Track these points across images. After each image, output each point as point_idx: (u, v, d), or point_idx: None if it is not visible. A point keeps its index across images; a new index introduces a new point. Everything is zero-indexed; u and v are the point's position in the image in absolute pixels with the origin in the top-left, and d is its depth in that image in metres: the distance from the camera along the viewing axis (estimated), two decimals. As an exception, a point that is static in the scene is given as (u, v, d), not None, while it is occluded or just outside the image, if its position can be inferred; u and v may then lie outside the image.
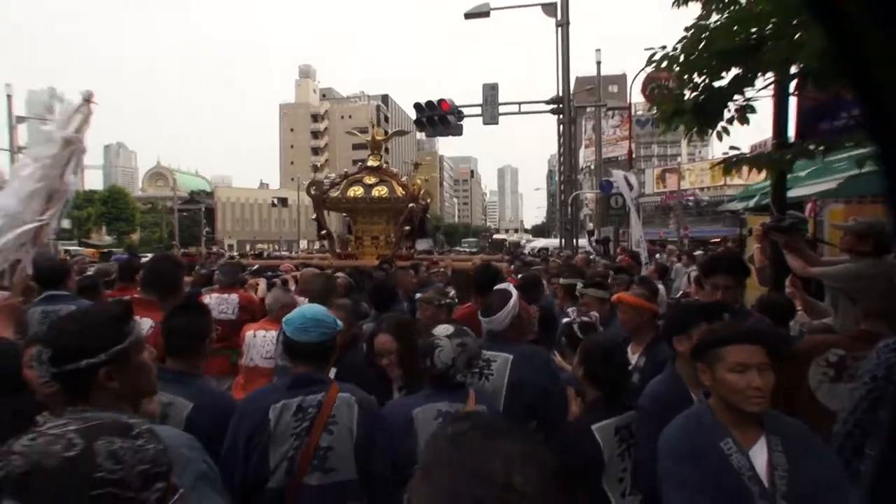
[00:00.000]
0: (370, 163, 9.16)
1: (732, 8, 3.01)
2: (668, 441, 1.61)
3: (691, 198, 36.20)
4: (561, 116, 15.16)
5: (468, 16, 14.07)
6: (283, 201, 43.06)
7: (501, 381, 2.35)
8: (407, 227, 8.46)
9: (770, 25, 2.80)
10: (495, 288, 2.79)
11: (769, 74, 3.21)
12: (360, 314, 3.27)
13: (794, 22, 2.51)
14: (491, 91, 14.34)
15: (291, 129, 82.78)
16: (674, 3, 2.91)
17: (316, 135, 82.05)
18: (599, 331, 2.96)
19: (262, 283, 4.68)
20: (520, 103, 15.04)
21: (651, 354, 2.67)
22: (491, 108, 14.28)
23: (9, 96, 22.66)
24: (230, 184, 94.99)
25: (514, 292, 2.62)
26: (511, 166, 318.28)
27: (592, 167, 37.33)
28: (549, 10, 13.72)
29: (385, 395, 2.31)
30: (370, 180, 8.90)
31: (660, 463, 1.60)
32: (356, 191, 8.80)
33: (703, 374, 1.61)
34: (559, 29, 13.73)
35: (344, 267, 6.27)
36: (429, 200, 9.88)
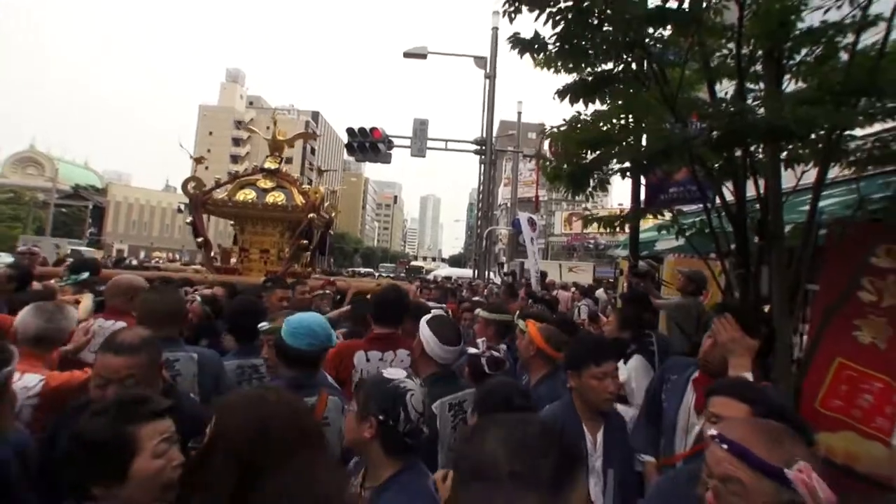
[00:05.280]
0: (267, 165, 7.78)
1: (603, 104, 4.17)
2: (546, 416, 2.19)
3: (592, 241, 39.88)
4: (483, 157, 16.60)
5: (407, 55, 15.21)
6: (192, 207, 40.79)
7: None
8: (304, 241, 7.41)
9: (618, 125, 3.97)
10: (435, 313, 2.60)
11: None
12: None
13: (632, 126, 3.67)
14: (421, 126, 15.45)
15: (210, 133, 79.09)
16: (554, 97, 3.94)
17: (237, 142, 79.25)
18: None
19: (87, 299, 3.36)
20: (447, 140, 16.27)
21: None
22: (420, 141, 15.35)
23: None
24: (128, 182, 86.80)
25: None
26: (434, 196, 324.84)
27: (508, 205, 39.82)
28: (479, 62, 15.23)
29: None
30: (265, 185, 7.56)
31: None
32: (247, 194, 7.42)
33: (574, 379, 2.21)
34: (487, 80, 15.25)
35: (219, 283, 5.17)
36: (334, 214, 8.70)
